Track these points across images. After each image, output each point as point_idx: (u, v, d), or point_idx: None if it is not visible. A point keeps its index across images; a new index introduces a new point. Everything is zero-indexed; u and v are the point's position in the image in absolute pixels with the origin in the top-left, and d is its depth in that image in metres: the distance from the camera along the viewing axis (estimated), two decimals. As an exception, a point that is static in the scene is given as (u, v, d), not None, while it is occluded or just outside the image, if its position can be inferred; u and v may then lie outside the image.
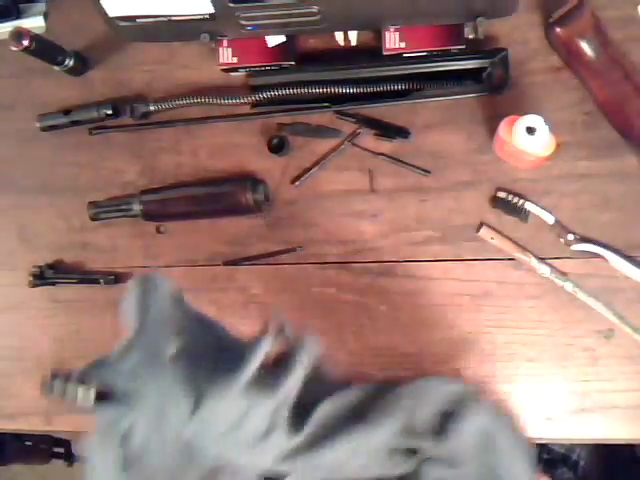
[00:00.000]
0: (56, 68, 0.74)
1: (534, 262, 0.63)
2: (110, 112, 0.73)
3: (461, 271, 0.65)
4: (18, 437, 1.31)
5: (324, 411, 0.44)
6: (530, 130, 0.59)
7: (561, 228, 0.64)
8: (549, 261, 0.64)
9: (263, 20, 0.61)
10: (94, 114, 0.73)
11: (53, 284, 0.73)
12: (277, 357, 0.46)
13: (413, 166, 0.67)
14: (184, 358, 0.40)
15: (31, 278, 0.73)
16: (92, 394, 0.37)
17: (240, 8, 0.59)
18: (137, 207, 0.70)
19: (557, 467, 0.81)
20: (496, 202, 0.65)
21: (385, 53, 0.66)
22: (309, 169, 0.70)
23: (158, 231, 0.73)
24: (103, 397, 0.38)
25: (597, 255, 0.63)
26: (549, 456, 0.81)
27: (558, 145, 0.61)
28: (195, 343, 0.42)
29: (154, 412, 0.38)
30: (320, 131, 0.70)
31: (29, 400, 0.73)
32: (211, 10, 0.60)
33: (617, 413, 0.61)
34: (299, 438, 0.42)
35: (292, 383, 0.43)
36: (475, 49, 0.66)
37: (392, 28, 0.65)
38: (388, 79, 0.67)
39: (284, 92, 0.69)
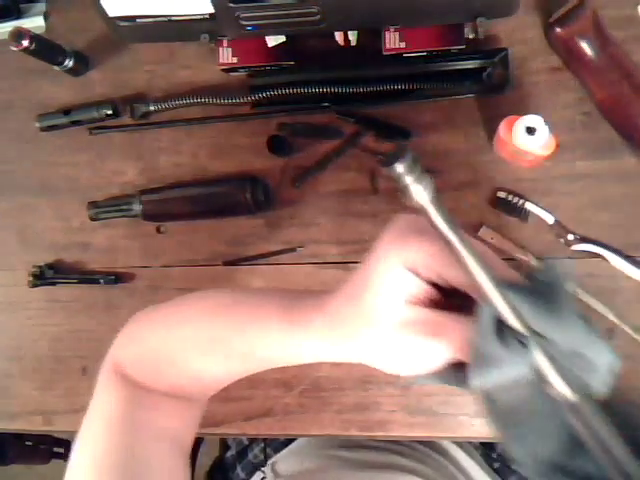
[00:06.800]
0: (56, 68, 0.74)
1: (534, 262, 0.63)
2: (110, 112, 0.73)
3: (461, 271, 0.65)
4: (18, 437, 1.31)
5: None
6: (530, 130, 0.59)
7: (561, 228, 0.64)
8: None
9: (263, 20, 0.61)
10: (94, 114, 0.73)
11: (53, 284, 0.73)
12: None
13: (413, 166, 0.67)
14: None
15: (31, 278, 0.73)
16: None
17: (240, 8, 0.59)
18: (137, 207, 0.70)
19: None
20: (496, 202, 0.65)
21: (385, 53, 0.66)
22: (309, 169, 0.70)
23: (158, 231, 0.73)
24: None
25: (597, 255, 0.63)
26: None
27: (558, 145, 0.61)
28: None
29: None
30: (320, 131, 0.70)
31: (29, 400, 0.73)
32: (211, 10, 0.60)
33: (617, 413, 0.61)
34: None
35: None
36: (475, 49, 0.66)
37: (392, 28, 0.65)
38: (388, 79, 0.67)
39: (284, 92, 0.69)
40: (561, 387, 0.29)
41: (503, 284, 0.29)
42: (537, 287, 0.30)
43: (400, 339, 0.32)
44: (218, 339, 0.44)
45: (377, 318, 0.33)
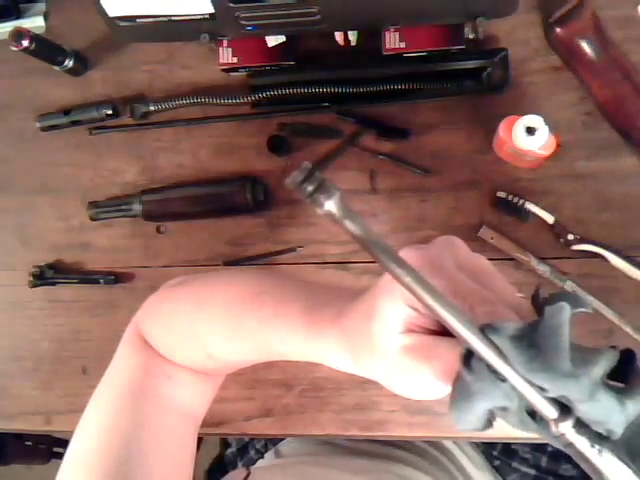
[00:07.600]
0: (56, 68, 0.74)
1: (534, 262, 0.63)
2: (110, 112, 0.73)
3: (461, 271, 0.65)
4: (18, 437, 1.31)
5: None
6: (530, 130, 0.59)
7: (561, 228, 0.64)
8: (549, 261, 0.64)
9: (263, 20, 0.61)
10: (94, 114, 0.73)
11: (53, 284, 0.73)
12: None
13: (413, 166, 0.67)
14: None
15: (31, 278, 0.73)
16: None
17: (240, 8, 0.59)
18: (137, 207, 0.70)
19: (561, 463, 0.81)
20: (496, 202, 0.65)
21: (385, 53, 0.66)
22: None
23: (158, 231, 0.73)
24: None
25: (597, 255, 0.63)
26: (554, 449, 0.81)
27: (558, 145, 0.61)
28: None
29: None
30: (320, 131, 0.70)
31: (29, 400, 0.73)
32: (211, 10, 0.60)
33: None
34: None
35: None
36: (475, 49, 0.66)
37: (392, 28, 0.65)
38: (388, 79, 0.67)
39: (284, 92, 0.69)
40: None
41: (490, 327, 0.28)
42: (536, 329, 0.28)
43: (400, 364, 0.33)
44: (242, 327, 0.45)
45: (381, 347, 0.34)
